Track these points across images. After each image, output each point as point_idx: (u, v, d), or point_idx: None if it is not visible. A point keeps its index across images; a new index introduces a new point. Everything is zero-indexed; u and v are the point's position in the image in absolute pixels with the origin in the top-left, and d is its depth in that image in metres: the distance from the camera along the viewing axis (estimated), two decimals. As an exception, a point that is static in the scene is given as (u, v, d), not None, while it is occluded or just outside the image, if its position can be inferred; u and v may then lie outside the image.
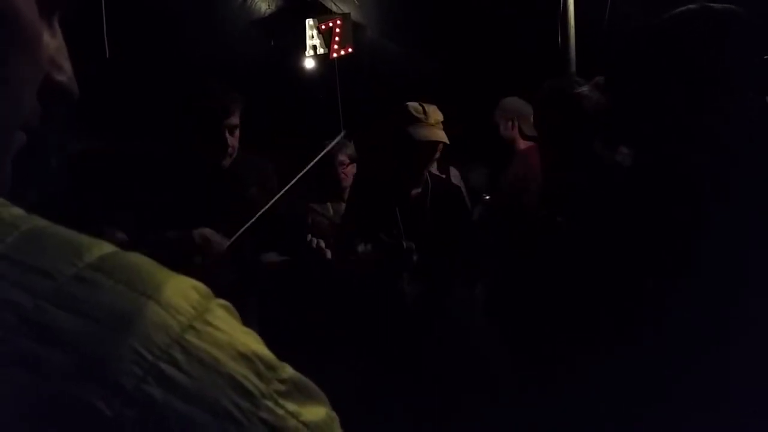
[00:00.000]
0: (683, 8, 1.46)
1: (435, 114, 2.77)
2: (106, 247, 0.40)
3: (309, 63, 6.37)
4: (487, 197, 3.02)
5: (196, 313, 0.39)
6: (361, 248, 2.77)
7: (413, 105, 2.77)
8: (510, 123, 3.85)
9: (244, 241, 2.24)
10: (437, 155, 2.86)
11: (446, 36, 5.87)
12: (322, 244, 2.34)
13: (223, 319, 0.40)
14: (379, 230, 2.82)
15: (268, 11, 6.82)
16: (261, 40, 6.65)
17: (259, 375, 0.39)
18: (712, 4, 1.43)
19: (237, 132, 2.28)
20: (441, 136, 2.74)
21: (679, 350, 1.39)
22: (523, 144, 3.79)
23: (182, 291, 0.39)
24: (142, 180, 2.24)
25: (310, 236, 2.35)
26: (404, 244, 2.78)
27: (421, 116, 2.72)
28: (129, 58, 4.54)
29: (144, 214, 2.11)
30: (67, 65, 0.50)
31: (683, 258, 1.41)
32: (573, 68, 3.81)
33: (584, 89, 2.42)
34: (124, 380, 0.34)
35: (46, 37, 0.47)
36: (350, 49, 5.61)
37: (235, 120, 2.26)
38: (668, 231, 1.45)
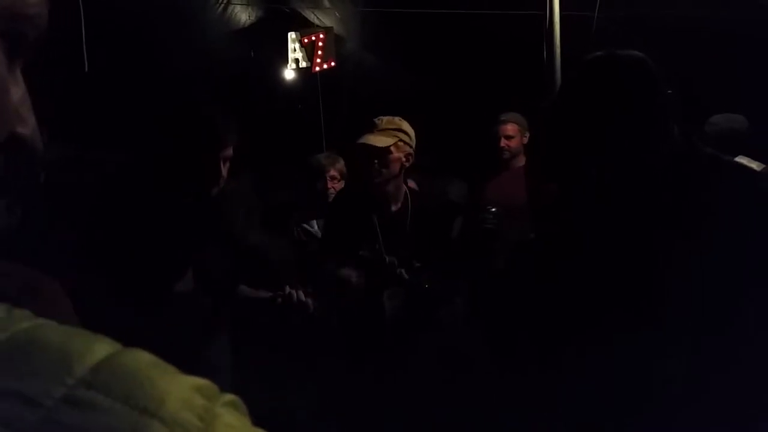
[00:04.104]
0: (594, 54, 1.61)
1: (381, 123, 2.76)
2: (100, 349, 0.35)
3: (289, 74, 6.34)
4: (494, 209, 2.99)
5: (204, 425, 0.35)
6: (343, 272, 2.76)
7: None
8: (523, 137, 3.85)
9: (219, 270, 2.18)
10: (378, 159, 2.75)
11: (427, 49, 5.88)
12: (302, 296, 2.33)
13: (230, 426, 0.37)
14: (359, 246, 2.79)
15: (248, 21, 6.79)
16: (241, 50, 6.61)
17: None
18: (618, 51, 1.59)
19: (229, 162, 2.19)
20: (368, 139, 2.72)
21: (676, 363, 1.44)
22: (523, 159, 3.79)
23: (187, 400, 0.35)
24: (120, 192, 2.14)
25: (288, 288, 2.33)
26: (386, 259, 2.75)
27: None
28: (108, 69, 4.47)
29: (124, 230, 2.02)
30: (30, 117, 0.47)
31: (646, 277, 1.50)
32: (558, 84, 3.82)
33: None
34: None
35: (11, 87, 0.45)
36: (333, 63, 5.59)
37: (230, 152, 2.17)
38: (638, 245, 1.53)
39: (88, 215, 1.96)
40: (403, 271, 2.77)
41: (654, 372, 1.43)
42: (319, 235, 3.50)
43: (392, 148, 2.72)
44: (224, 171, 2.13)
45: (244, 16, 6.72)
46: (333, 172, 3.60)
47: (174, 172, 2.09)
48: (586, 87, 1.61)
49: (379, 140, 2.70)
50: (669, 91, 1.54)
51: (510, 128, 3.88)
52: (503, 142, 3.88)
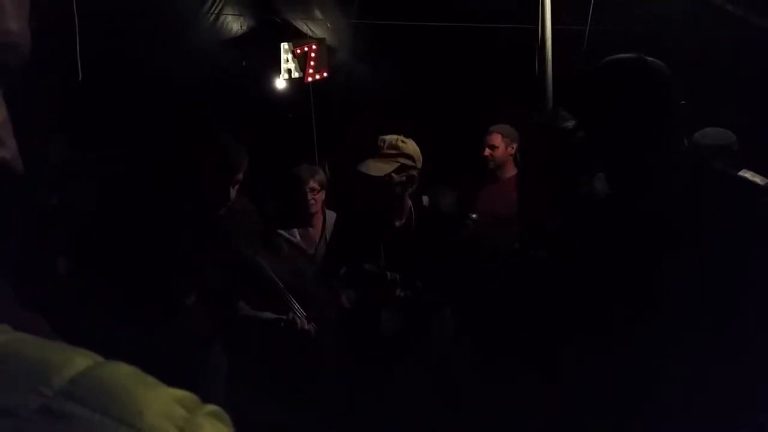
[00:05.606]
0: (619, 55, 1.60)
1: (383, 146, 2.73)
2: (80, 362, 0.35)
3: (281, 84, 6.34)
4: (475, 216, 3.00)
5: None
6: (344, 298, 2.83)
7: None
8: (510, 147, 3.89)
9: (215, 288, 2.20)
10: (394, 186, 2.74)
11: (418, 60, 5.90)
12: (297, 320, 2.54)
13: None
14: (363, 260, 2.80)
15: (240, 31, 6.79)
16: (232, 59, 6.60)
17: None
18: (644, 56, 1.58)
19: (238, 185, 2.22)
20: (367, 167, 2.69)
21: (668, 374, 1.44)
22: (511, 170, 3.84)
23: (166, 410, 0.35)
24: (127, 206, 2.16)
25: (291, 314, 2.54)
26: (388, 276, 2.75)
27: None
28: (102, 78, 4.46)
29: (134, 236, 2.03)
30: (10, 141, 0.47)
31: (651, 285, 1.50)
32: (550, 96, 3.86)
33: (569, 124, 2.49)
34: None
35: None
36: (325, 74, 5.61)
37: (240, 176, 2.19)
38: (639, 259, 1.53)
39: (93, 227, 1.97)
40: (404, 293, 2.77)
41: (652, 382, 1.43)
42: (302, 244, 3.55)
43: (392, 174, 2.69)
44: (233, 193, 2.16)
45: (236, 25, 6.73)
46: (313, 184, 3.64)
47: (184, 191, 2.12)
48: (597, 86, 1.63)
49: (377, 168, 2.68)
50: (683, 102, 1.55)
51: (494, 138, 3.93)
52: (486, 151, 3.95)
